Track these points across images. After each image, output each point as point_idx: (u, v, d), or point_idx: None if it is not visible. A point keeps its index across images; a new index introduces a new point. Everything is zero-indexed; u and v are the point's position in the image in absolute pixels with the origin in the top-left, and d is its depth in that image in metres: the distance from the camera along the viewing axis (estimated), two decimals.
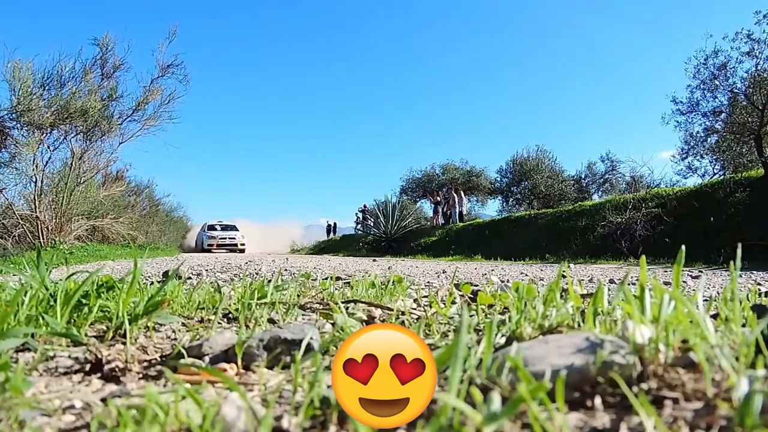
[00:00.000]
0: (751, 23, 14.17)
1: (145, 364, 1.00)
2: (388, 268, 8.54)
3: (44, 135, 15.03)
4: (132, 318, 1.23)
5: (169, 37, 17.16)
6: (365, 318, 1.57)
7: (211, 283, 2.24)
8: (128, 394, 0.80)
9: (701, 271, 7.13)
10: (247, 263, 9.49)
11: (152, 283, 2.28)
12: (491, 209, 32.05)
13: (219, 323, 1.50)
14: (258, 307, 1.64)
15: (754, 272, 6.47)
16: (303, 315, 1.67)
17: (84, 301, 1.27)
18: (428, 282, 4.55)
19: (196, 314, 1.56)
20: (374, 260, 13.89)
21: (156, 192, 27.39)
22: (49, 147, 15.53)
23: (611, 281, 5.12)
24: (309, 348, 0.99)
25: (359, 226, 29.19)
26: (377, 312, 1.64)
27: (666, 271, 7.22)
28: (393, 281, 2.24)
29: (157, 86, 16.96)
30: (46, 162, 15.60)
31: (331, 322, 1.38)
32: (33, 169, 14.95)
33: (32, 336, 1.09)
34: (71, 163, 16.15)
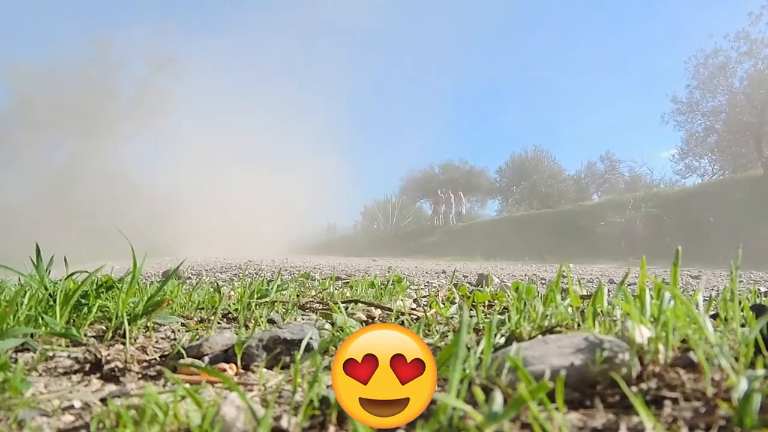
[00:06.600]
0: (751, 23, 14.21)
1: (145, 364, 0.99)
2: (388, 268, 8.53)
3: (44, 135, 15.03)
4: (131, 318, 1.23)
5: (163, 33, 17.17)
6: (365, 318, 1.57)
7: (210, 283, 2.23)
8: (127, 394, 0.80)
9: (701, 271, 7.13)
10: (246, 263, 9.49)
11: (152, 283, 2.28)
12: (491, 209, 32.11)
13: (218, 323, 1.50)
14: (257, 307, 1.64)
15: (754, 272, 6.48)
16: (303, 315, 1.67)
17: (83, 301, 1.26)
18: (428, 282, 4.55)
19: (196, 314, 1.56)
20: (374, 260, 13.88)
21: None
22: (48, 147, 15.53)
23: (611, 281, 5.12)
24: (309, 348, 0.99)
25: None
26: (377, 312, 1.64)
27: (666, 271, 7.22)
28: (392, 281, 2.24)
29: (152, 84, 16.98)
30: (46, 162, 15.60)
31: (331, 322, 1.38)
32: (33, 169, 14.95)
33: (32, 336, 1.09)
34: (71, 164, 16.14)
